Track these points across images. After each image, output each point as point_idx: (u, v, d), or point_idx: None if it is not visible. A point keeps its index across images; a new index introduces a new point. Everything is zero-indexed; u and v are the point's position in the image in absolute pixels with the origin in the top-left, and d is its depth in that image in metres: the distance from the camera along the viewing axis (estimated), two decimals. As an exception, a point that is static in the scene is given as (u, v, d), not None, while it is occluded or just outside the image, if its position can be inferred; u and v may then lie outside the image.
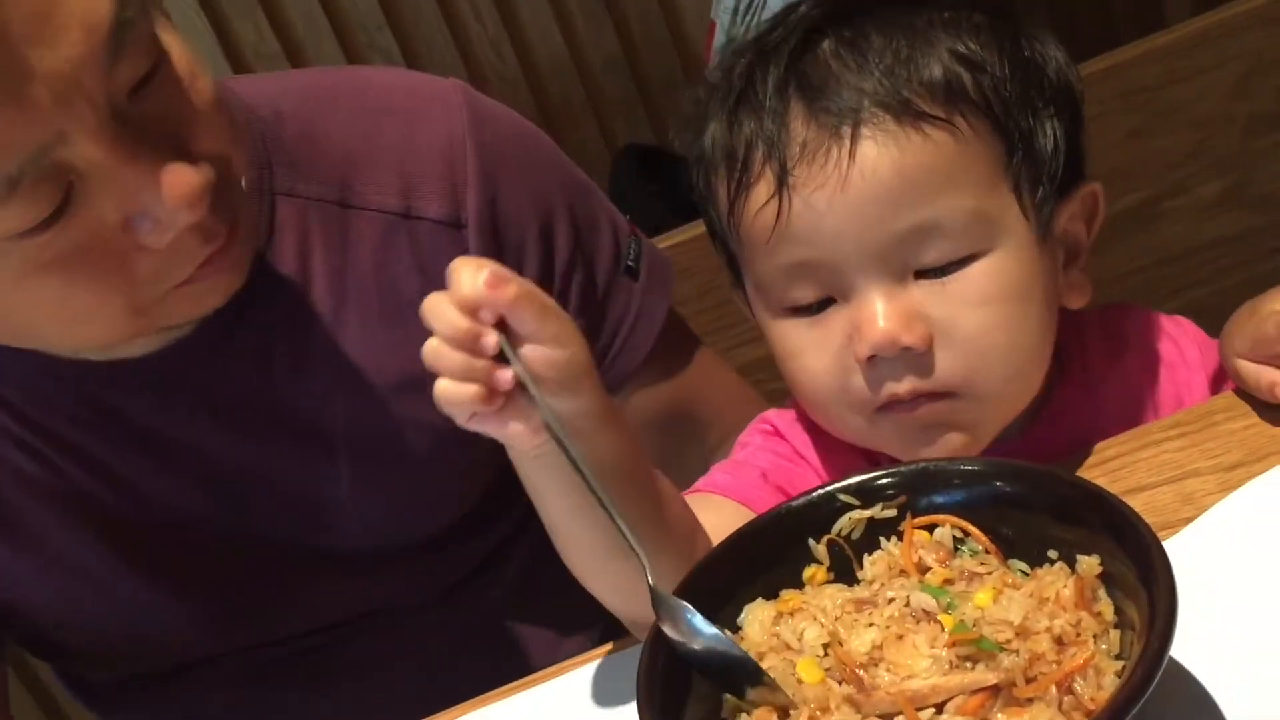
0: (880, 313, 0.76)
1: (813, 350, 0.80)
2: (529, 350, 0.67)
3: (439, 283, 0.93)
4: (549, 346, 0.67)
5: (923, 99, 0.75)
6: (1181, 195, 1.54)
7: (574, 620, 1.06)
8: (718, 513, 0.83)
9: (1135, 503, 0.77)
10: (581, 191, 1.01)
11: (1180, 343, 0.90)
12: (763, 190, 0.78)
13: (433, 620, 1.04)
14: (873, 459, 0.87)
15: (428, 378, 0.95)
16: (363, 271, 0.93)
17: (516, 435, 0.69)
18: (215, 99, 0.78)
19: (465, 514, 1.02)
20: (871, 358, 0.77)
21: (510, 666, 0.92)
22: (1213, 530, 0.74)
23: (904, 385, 0.78)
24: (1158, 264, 1.56)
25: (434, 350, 0.68)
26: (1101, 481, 0.80)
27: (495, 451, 1.02)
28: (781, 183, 0.76)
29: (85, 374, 0.88)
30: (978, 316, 0.77)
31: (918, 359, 0.77)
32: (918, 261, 0.76)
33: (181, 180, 0.73)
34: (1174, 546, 0.73)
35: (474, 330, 0.66)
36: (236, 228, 0.80)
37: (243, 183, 0.82)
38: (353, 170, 0.92)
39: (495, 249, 0.94)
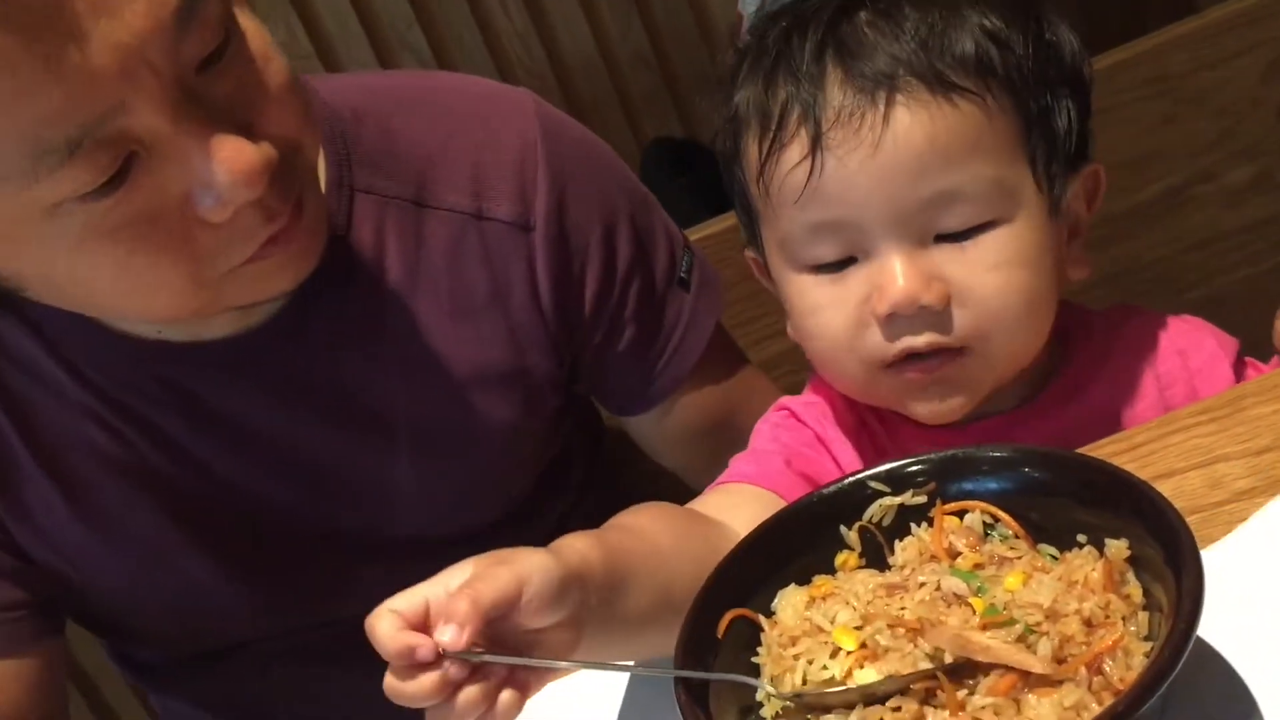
0: (900, 272, 0.79)
1: (831, 306, 0.83)
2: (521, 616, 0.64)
3: (506, 282, 0.97)
4: (527, 606, 0.64)
5: (955, 71, 0.79)
6: (1210, 181, 1.53)
7: None
8: (749, 504, 0.84)
9: (1164, 487, 0.77)
10: (641, 201, 1.04)
11: (1192, 336, 0.91)
12: (796, 150, 0.81)
13: None
14: (883, 450, 0.89)
15: (492, 373, 0.98)
16: (435, 268, 0.95)
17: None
18: (288, 84, 0.79)
19: (520, 501, 1.04)
20: (890, 315, 0.80)
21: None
22: (1255, 527, 0.75)
23: (922, 338, 0.81)
24: (1186, 250, 1.55)
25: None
26: (1130, 467, 0.80)
27: (550, 444, 1.05)
28: (816, 144, 0.79)
29: (165, 354, 0.90)
30: (994, 278, 0.80)
31: (934, 316, 0.80)
32: (939, 225, 0.80)
33: (240, 156, 0.74)
34: (1219, 548, 0.74)
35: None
36: (302, 211, 0.81)
37: (320, 174, 0.84)
38: (428, 170, 0.95)
39: (561, 252, 0.97)
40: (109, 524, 0.94)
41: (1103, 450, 0.84)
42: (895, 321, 0.81)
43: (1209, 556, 0.72)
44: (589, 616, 0.67)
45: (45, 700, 0.97)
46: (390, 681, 0.63)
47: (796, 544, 0.74)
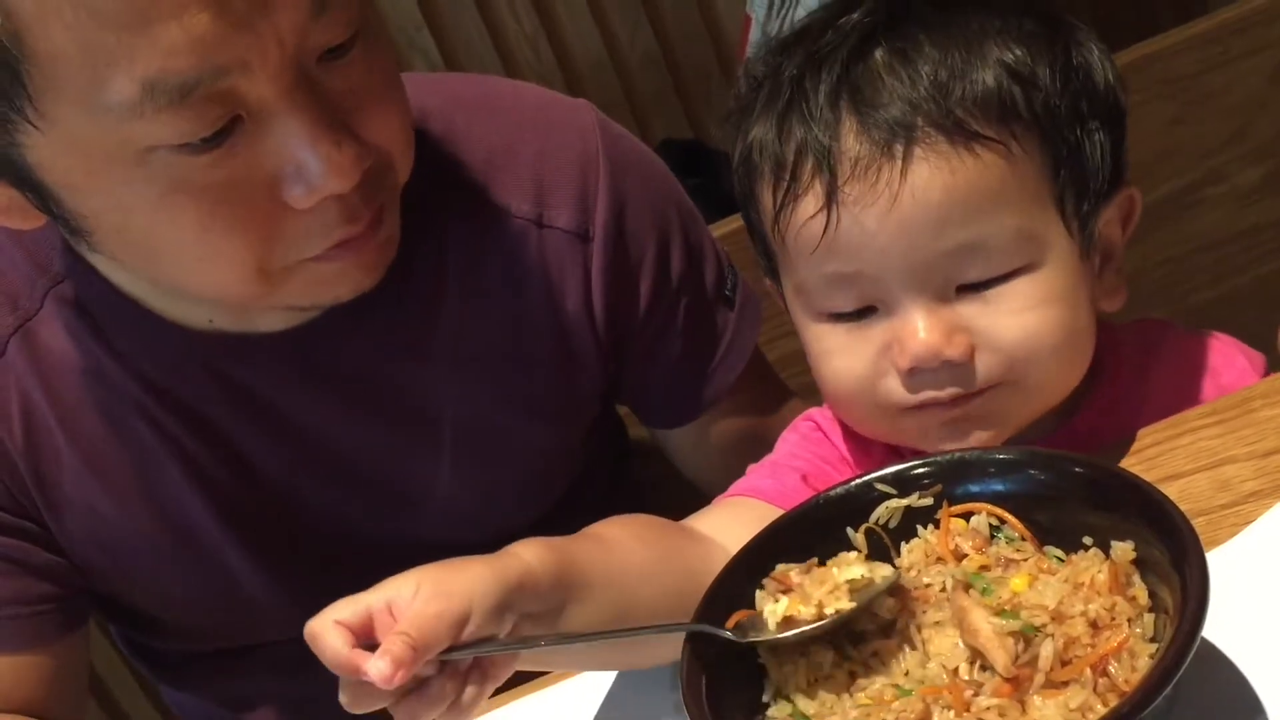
0: (922, 326, 0.77)
1: (848, 353, 0.81)
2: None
3: (561, 291, 0.97)
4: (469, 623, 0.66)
5: (975, 118, 0.75)
6: (1221, 182, 1.53)
7: None
8: (754, 521, 0.81)
9: (1171, 489, 0.78)
10: (693, 217, 1.05)
11: (1223, 354, 0.90)
12: (811, 202, 0.78)
13: None
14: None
15: (540, 381, 0.99)
16: (492, 272, 0.96)
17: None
18: (398, 104, 0.81)
19: (547, 512, 1.04)
20: (913, 369, 0.78)
21: None
22: (1262, 530, 0.75)
23: (945, 392, 0.78)
24: (1197, 251, 1.55)
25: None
26: (1138, 469, 0.81)
27: (578, 457, 1.06)
28: (831, 198, 0.77)
29: (216, 345, 0.91)
30: (1020, 323, 0.78)
31: (959, 368, 0.78)
32: (961, 277, 0.77)
33: (338, 147, 0.75)
34: (1225, 550, 0.74)
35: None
36: (380, 224, 0.82)
37: (398, 194, 0.84)
38: (491, 174, 0.96)
39: (618, 263, 0.98)
40: (148, 515, 0.95)
41: (1111, 452, 0.84)
42: (917, 374, 0.78)
43: (1216, 558, 0.73)
44: (530, 626, 0.68)
45: (65, 694, 0.97)
46: (343, 689, 0.64)
47: (803, 545, 0.74)
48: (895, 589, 0.69)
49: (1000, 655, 0.62)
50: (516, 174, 0.96)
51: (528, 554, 0.70)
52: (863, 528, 0.74)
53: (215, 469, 0.94)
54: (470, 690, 0.66)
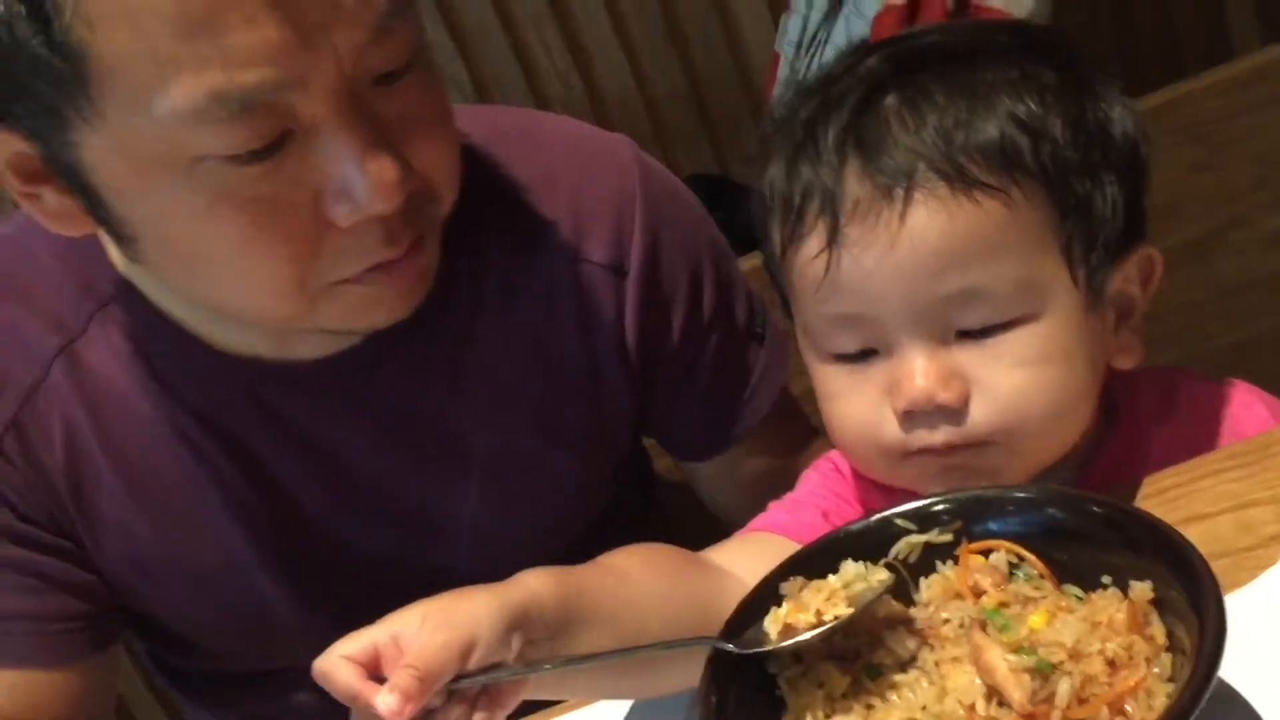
0: (920, 370, 0.77)
1: (851, 396, 0.81)
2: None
3: (594, 325, 0.98)
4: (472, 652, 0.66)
5: (977, 165, 0.75)
6: (1244, 228, 1.53)
7: None
8: (771, 556, 0.81)
9: (1193, 531, 0.77)
10: (725, 254, 1.06)
11: (1243, 400, 0.89)
12: (814, 243, 0.79)
13: None
14: None
15: (571, 413, 0.99)
16: (528, 303, 0.97)
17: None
18: (447, 136, 0.83)
19: (570, 546, 1.05)
20: (907, 411, 0.78)
21: None
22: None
23: (938, 436, 0.78)
24: (1220, 296, 1.55)
25: None
26: (1160, 510, 0.81)
27: (605, 492, 1.06)
28: (832, 238, 0.78)
29: (257, 372, 0.92)
30: (1016, 377, 0.77)
31: (953, 413, 0.78)
32: (960, 323, 0.77)
33: (384, 167, 0.76)
34: (1246, 592, 0.74)
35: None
36: (420, 251, 0.83)
37: (438, 226, 0.85)
38: (529, 206, 0.97)
39: (652, 299, 0.99)
40: (185, 539, 0.95)
41: (1132, 493, 0.84)
42: (913, 417, 0.79)
43: (1237, 600, 0.73)
44: (534, 655, 0.69)
45: (92, 713, 0.98)
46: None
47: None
48: (914, 627, 0.70)
49: (1016, 692, 0.62)
50: (554, 206, 0.97)
51: (534, 581, 0.71)
52: (882, 562, 0.74)
53: (253, 496, 0.95)
54: (479, 718, 0.67)
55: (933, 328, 0.78)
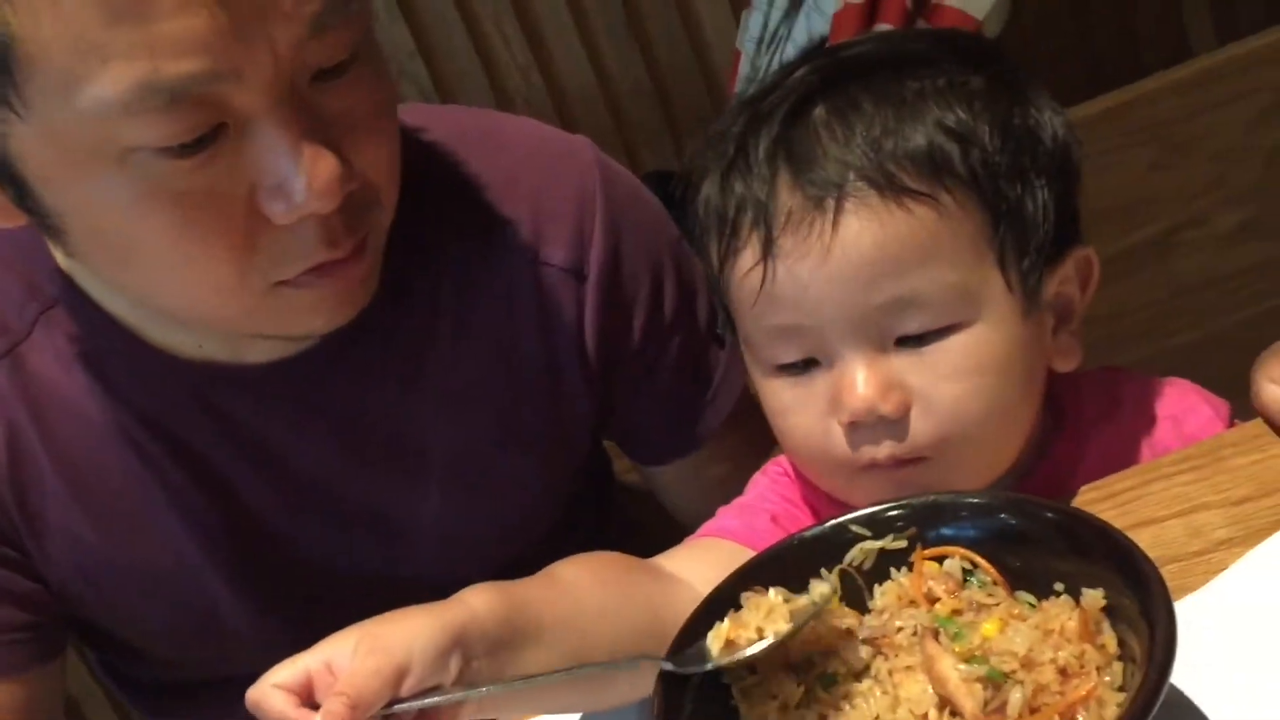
0: (860, 380, 0.77)
1: (798, 409, 0.81)
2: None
3: (553, 328, 0.96)
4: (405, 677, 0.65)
5: (906, 173, 0.76)
6: (1201, 226, 1.55)
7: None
8: (722, 560, 0.82)
9: (1144, 535, 0.79)
10: (686, 255, 1.05)
11: (1185, 401, 0.90)
12: (749, 256, 0.79)
13: None
14: None
15: (530, 416, 0.98)
16: (486, 305, 0.96)
17: None
18: (389, 138, 0.81)
19: (528, 551, 1.04)
20: (852, 423, 0.78)
21: None
22: (1233, 578, 0.75)
23: (882, 450, 0.79)
24: (1176, 294, 1.57)
25: None
26: (1110, 514, 0.81)
27: (564, 496, 1.05)
28: (767, 251, 0.78)
29: (205, 374, 0.90)
30: (954, 388, 0.78)
31: (895, 425, 0.78)
32: (898, 330, 0.78)
33: (322, 164, 0.74)
34: (1197, 597, 0.74)
35: None
36: (361, 257, 0.81)
37: (383, 233, 0.83)
38: (488, 208, 0.96)
39: (612, 302, 0.98)
40: (133, 545, 0.94)
41: (1084, 498, 0.84)
42: (857, 430, 0.79)
43: (1187, 605, 0.73)
44: (474, 675, 0.68)
45: None
46: None
47: (777, 586, 0.73)
48: (868, 636, 0.70)
49: (968, 702, 0.62)
50: (515, 207, 0.96)
51: (474, 600, 0.70)
52: (836, 569, 0.75)
53: (201, 500, 0.94)
54: None
55: (871, 336, 0.78)
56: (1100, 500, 0.84)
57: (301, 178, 0.74)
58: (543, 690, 0.71)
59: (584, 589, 0.77)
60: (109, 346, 0.90)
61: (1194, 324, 1.57)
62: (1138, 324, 1.55)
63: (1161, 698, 0.58)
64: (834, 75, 0.80)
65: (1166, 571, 0.73)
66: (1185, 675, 0.68)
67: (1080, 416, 0.89)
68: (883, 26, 1.61)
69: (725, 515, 0.90)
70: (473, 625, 0.68)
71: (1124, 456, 0.87)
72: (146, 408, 0.91)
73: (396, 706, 0.64)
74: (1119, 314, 1.52)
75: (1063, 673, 0.64)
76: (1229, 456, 0.83)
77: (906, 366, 0.78)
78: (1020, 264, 0.79)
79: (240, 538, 0.96)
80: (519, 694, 0.70)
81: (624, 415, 1.05)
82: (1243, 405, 0.86)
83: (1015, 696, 0.63)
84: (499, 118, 1.08)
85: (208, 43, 0.69)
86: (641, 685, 0.70)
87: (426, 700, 0.65)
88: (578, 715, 0.83)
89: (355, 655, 0.65)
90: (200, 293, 0.80)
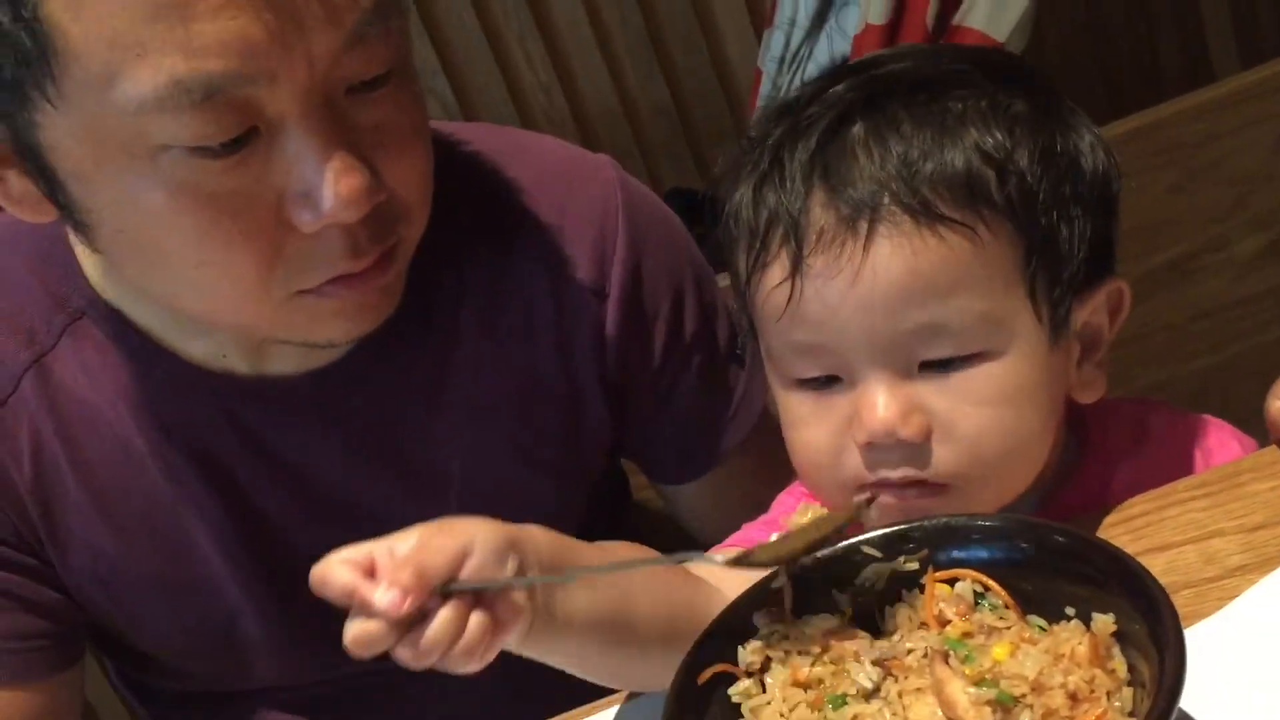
0: (881, 403, 0.77)
1: (814, 424, 0.81)
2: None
3: (573, 346, 0.97)
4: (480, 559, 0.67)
5: (942, 199, 0.75)
6: (1221, 250, 1.55)
7: None
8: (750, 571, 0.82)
9: (1158, 561, 0.79)
10: (707, 275, 1.05)
11: (1216, 437, 0.89)
12: (777, 271, 0.79)
13: (504, 655, 1.05)
14: None
15: (550, 434, 0.98)
16: (508, 323, 0.96)
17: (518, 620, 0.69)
18: (422, 158, 0.82)
19: None
20: (868, 444, 0.78)
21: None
22: (1246, 604, 0.75)
23: (898, 472, 0.78)
24: (1195, 318, 1.56)
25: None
26: (1125, 539, 0.81)
27: (579, 514, 1.06)
28: (796, 268, 0.77)
29: (230, 387, 0.91)
30: (977, 417, 0.77)
31: (914, 449, 0.77)
32: (923, 355, 0.77)
33: (351, 174, 0.75)
34: (1210, 624, 0.74)
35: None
36: (385, 269, 0.82)
37: (411, 247, 0.84)
38: (511, 226, 0.96)
39: (632, 321, 0.98)
40: (153, 555, 0.95)
41: (1099, 521, 0.84)
42: (874, 450, 0.78)
43: (1200, 631, 0.73)
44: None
45: None
46: (347, 630, 0.65)
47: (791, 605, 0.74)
48: (878, 657, 0.70)
49: None
50: (536, 226, 0.96)
51: (532, 527, 0.72)
52: (849, 590, 0.74)
53: (223, 512, 0.94)
54: (475, 621, 0.66)
55: (895, 360, 0.77)
56: (1115, 525, 0.84)
57: (329, 187, 0.75)
58: (588, 635, 0.72)
59: (628, 558, 0.78)
60: (135, 358, 0.91)
61: (1213, 348, 1.57)
62: (1156, 347, 1.54)
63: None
64: (874, 91, 0.79)
65: (1180, 597, 0.75)
66: (1198, 701, 0.68)
67: (1107, 446, 0.88)
68: (904, 48, 1.61)
69: (749, 529, 0.91)
70: (529, 542, 0.69)
71: (1151, 484, 0.86)
72: (170, 419, 0.92)
73: (454, 586, 0.66)
74: (1137, 337, 1.51)
75: (1073, 697, 0.64)
76: (1245, 483, 0.83)
77: (930, 392, 0.77)
78: (1050, 294, 0.78)
79: (261, 550, 0.96)
80: (567, 638, 0.72)
81: (642, 434, 1.05)
82: (1261, 429, 0.85)
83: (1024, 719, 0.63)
84: (521, 135, 1.08)
85: (245, 45, 0.70)
86: (673, 671, 0.70)
87: (484, 583, 0.66)
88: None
89: (420, 537, 0.66)
90: (222, 296, 0.81)
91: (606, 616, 0.73)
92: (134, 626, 0.99)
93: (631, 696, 0.86)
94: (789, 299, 0.78)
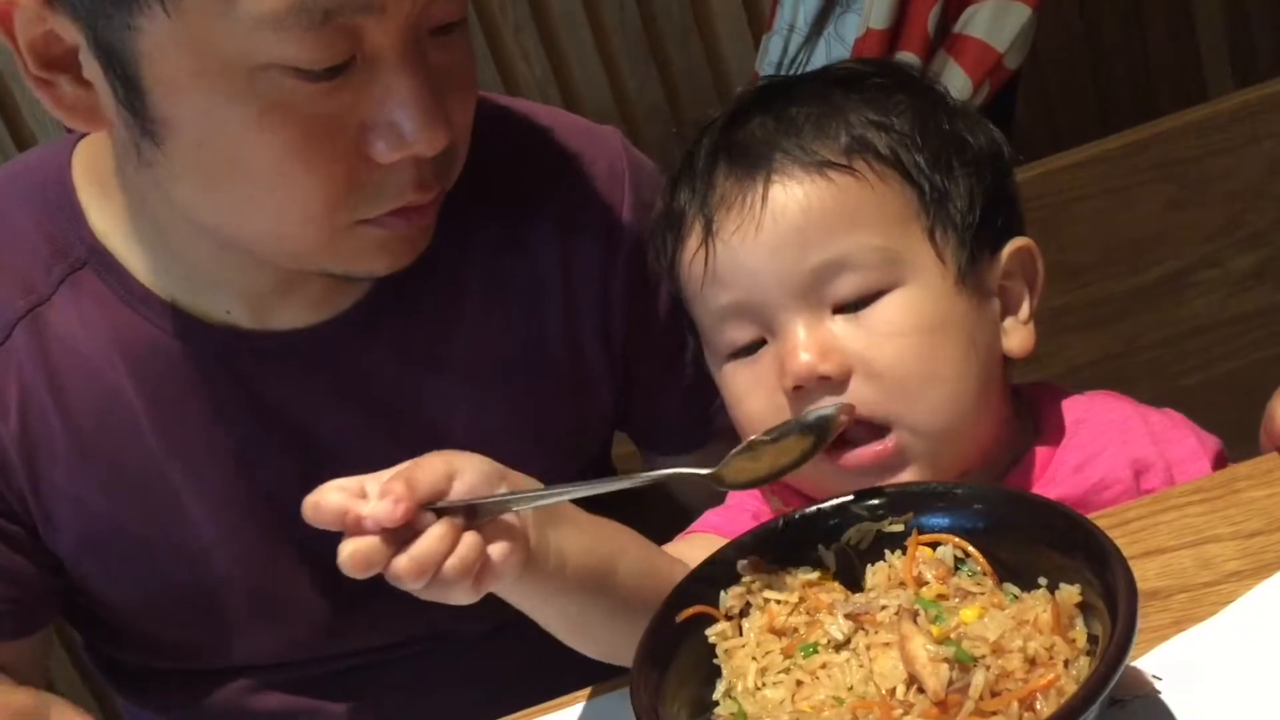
0: (800, 343, 0.81)
1: (752, 391, 0.85)
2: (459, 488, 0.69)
3: (580, 312, 0.98)
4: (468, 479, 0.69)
5: (829, 150, 0.83)
6: (1214, 268, 1.55)
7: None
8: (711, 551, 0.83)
9: (1154, 564, 0.79)
10: None
11: (1172, 429, 0.90)
12: (693, 242, 0.85)
13: (488, 649, 1.04)
14: None
15: (554, 400, 0.99)
16: (514, 285, 0.96)
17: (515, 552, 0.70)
18: (474, 96, 0.85)
19: None
20: (798, 388, 0.81)
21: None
22: (1241, 610, 0.74)
23: (828, 405, 0.80)
24: (1188, 334, 1.56)
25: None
26: (1120, 542, 0.79)
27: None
28: (707, 231, 0.84)
29: (229, 341, 0.90)
30: (891, 347, 0.81)
31: (839, 387, 0.81)
32: (833, 295, 0.82)
33: (434, 111, 0.78)
34: (1204, 628, 0.74)
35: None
36: (437, 203, 0.85)
37: (449, 187, 0.86)
38: (520, 189, 0.97)
39: (637, 288, 0.99)
40: (140, 511, 0.93)
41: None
42: (803, 396, 0.82)
43: (1194, 636, 0.73)
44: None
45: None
46: (342, 549, 0.66)
47: (775, 559, 0.75)
48: (853, 611, 0.70)
49: (932, 680, 0.63)
50: (546, 191, 0.97)
51: (520, 473, 0.73)
52: (834, 546, 0.75)
53: (216, 471, 0.93)
54: (469, 538, 0.67)
55: (808, 302, 0.82)
56: (1111, 528, 0.81)
57: (414, 120, 0.77)
58: (578, 611, 0.75)
59: (621, 525, 0.81)
60: (134, 310, 0.90)
61: (1204, 365, 1.56)
62: (1147, 363, 1.53)
63: (1108, 689, 0.59)
64: (770, 90, 0.89)
65: (1175, 601, 0.75)
66: (1191, 706, 0.68)
67: (1057, 426, 0.90)
68: (904, 55, 1.61)
69: (711, 514, 0.93)
70: (521, 479, 0.72)
71: (1101, 464, 0.87)
72: (167, 373, 0.91)
73: (444, 503, 0.67)
74: (1129, 352, 1.50)
75: (1031, 662, 0.65)
76: (1242, 489, 0.82)
77: (845, 331, 0.82)
78: (949, 238, 0.83)
79: (251, 508, 0.94)
80: (553, 597, 0.74)
81: (644, 403, 1.05)
82: (1247, 450, 0.86)
83: (978, 678, 0.63)
84: (529, 105, 1.08)
85: None
86: None
87: (474, 500, 0.68)
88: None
89: (410, 462, 0.69)
90: (288, 219, 0.81)
91: (595, 567, 0.76)
92: (113, 587, 0.96)
93: (597, 693, 0.86)
94: (706, 264, 0.84)
